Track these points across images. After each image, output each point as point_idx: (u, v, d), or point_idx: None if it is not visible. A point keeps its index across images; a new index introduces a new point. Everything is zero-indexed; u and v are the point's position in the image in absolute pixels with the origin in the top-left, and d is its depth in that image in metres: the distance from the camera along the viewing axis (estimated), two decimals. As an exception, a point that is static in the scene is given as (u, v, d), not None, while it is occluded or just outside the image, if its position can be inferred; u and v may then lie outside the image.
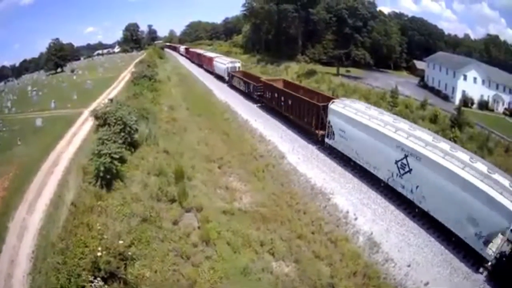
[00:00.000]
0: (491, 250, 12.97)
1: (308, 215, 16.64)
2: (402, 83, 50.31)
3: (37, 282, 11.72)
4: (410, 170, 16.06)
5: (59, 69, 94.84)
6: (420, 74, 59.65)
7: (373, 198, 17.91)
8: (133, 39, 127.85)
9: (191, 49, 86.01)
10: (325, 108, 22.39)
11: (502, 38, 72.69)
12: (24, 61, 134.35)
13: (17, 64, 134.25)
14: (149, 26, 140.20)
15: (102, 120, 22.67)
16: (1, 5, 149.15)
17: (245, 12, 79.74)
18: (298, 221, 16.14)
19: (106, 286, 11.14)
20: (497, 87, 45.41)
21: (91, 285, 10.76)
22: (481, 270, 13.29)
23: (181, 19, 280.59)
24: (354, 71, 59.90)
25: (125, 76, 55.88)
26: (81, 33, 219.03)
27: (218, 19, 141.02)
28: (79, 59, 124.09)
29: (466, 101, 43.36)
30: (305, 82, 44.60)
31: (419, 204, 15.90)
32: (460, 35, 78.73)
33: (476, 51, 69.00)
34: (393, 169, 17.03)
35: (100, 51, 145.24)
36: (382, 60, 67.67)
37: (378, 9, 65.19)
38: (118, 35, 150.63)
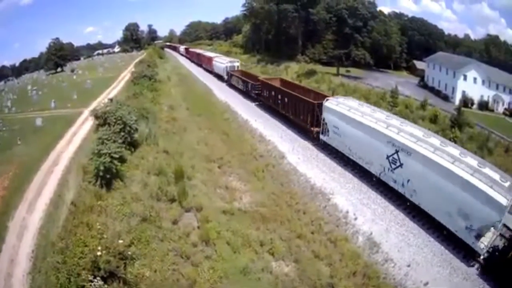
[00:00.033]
0: (483, 244, 13.11)
1: (308, 215, 16.63)
2: (402, 83, 50.34)
3: (37, 282, 11.74)
4: (401, 165, 16.48)
5: (59, 69, 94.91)
6: (420, 74, 59.68)
7: (373, 198, 17.91)
8: (133, 39, 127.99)
9: (191, 49, 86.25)
10: (320, 105, 22.95)
11: (502, 38, 72.91)
12: (24, 60, 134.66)
13: (17, 64, 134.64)
14: (149, 26, 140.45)
15: (102, 119, 22.67)
16: (1, 5, 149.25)
17: (245, 12, 79.85)
18: (298, 221, 16.14)
19: (105, 286, 11.13)
20: (497, 87, 45.43)
21: (90, 285, 10.76)
22: (473, 263, 13.50)
23: (181, 19, 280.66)
24: (354, 71, 59.92)
25: (125, 76, 55.93)
26: (81, 33, 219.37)
27: (218, 19, 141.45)
28: (79, 59, 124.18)
29: (466, 101, 43.39)
30: (305, 82, 44.61)
31: (410, 198, 16.28)
32: (460, 35, 78.96)
33: (476, 51, 69.08)
34: (385, 164, 17.46)
35: (100, 51, 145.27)
36: (382, 60, 67.72)
37: (378, 9, 65.46)
38: (118, 35, 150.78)
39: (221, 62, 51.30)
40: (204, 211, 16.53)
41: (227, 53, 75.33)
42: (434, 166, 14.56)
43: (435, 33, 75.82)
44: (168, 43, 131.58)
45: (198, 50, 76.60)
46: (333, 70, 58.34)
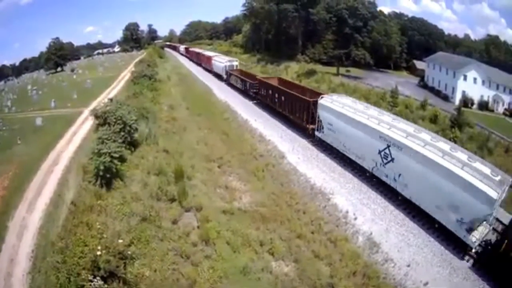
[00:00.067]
0: (475, 237, 13.28)
1: (308, 215, 16.63)
2: (402, 83, 50.36)
3: (36, 281, 11.75)
4: (392, 159, 16.87)
5: (59, 69, 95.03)
6: (420, 74, 59.70)
7: (373, 198, 17.91)
8: (133, 39, 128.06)
9: (190, 49, 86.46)
10: (315, 103, 23.45)
11: (502, 38, 72.95)
12: (24, 60, 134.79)
13: (17, 63, 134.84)
14: (149, 26, 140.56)
15: (102, 119, 22.67)
16: (1, 5, 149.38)
17: (245, 12, 79.88)
18: (298, 220, 16.13)
19: (105, 285, 11.13)
20: (497, 88, 45.44)
21: (90, 284, 10.76)
22: (466, 258, 13.69)
23: (181, 19, 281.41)
24: (354, 71, 59.94)
25: (125, 75, 55.95)
26: (81, 32, 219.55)
27: (218, 18, 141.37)
28: (79, 58, 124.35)
29: (466, 102, 43.42)
30: (305, 82, 44.61)
31: (401, 192, 16.69)
32: (460, 35, 79.03)
33: (476, 52, 69.12)
34: (377, 159, 17.87)
35: (100, 51, 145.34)
36: (382, 60, 67.74)
37: (378, 9, 65.55)
38: (118, 34, 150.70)
39: (220, 61, 51.72)
40: (204, 210, 16.54)
41: (227, 53, 75.31)
42: (424, 160, 14.86)
43: (435, 33, 75.86)
44: (168, 43, 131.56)
45: (197, 50, 76.77)
46: (333, 70, 58.36)
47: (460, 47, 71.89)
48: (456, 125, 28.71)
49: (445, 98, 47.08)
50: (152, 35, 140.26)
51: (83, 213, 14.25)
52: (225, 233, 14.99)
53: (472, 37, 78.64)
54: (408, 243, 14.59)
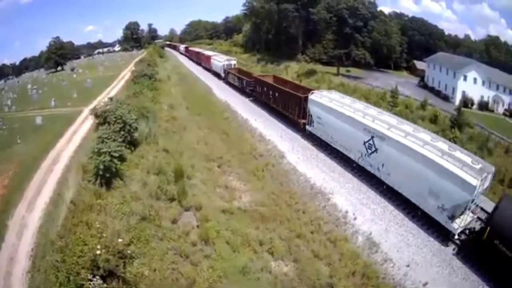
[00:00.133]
0: (457, 224, 13.78)
1: (307, 214, 16.64)
2: (402, 83, 50.29)
3: (36, 280, 11.77)
4: (376, 150, 17.88)
5: (59, 68, 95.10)
6: (420, 74, 59.60)
7: (372, 198, 17.92)
8: (133, 38, 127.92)
9: (190, 48, 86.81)
10: (306, 99, 24.62)
11: (502, 39, 72.71)
12: (24, 59, 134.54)
13: (17, 63, 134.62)
14: (150, 25, 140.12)
15: (102, 118, 22.67)
16: (1, 4, 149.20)
17: (245, 11, 79.77)
18: (297, 220, 16.15)
19: (105, 285, 11.16)
20: (497, 88, 45.34)
21: (90, 283, 10.79)
22: (449, 244, 14.23)
23: (182, 18, 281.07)
24: (354, 71, 59.84)
25: (125, 74, 55.94)
26: (81, 31, 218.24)
27: (218, 18, 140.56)
28: (79, 57, 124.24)
29: (466, 102, 43.31)
30: (305, 82, 44.55)
31: (385, 180, 17.67)
32: (461, 35, 78.75)
33: (477, 52, 68.98)
34: (362, 150, 18.91)
35: (100, 50, 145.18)
36: (382, 60, 67.60)
37: (378, 9, 65.15)
38: (119, 34, 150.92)
39: (219, 60, 52.72)
40: (204, 210, 16.55)
41: (227, 52, 75.29)
42: (405, 149, 15.71)
43: (436, 33, 75.69)
44: (168, 42, 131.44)
45: (197, 49, 77.13)
46: (333, 70, 58.27)
47: (460, 47, 71.75)
48: (456, 125, 28.66)
49: (445, 98, 46.98)
50: (152, 34, 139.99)
51: (83, 212, 14.27)
52: (225, 233, 15.01)
53: (472, 37, 78.57)
54: (408, 243, 14.61)
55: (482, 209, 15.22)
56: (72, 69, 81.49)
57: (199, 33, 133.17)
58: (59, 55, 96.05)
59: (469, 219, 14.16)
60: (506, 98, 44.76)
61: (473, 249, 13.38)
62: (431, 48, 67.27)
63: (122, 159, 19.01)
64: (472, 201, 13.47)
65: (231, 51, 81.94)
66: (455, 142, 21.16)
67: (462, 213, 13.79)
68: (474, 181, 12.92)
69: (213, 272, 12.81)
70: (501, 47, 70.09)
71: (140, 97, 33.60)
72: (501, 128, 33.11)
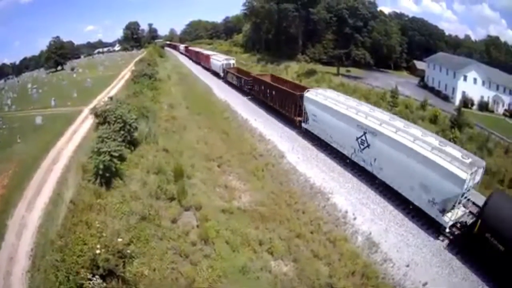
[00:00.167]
0: (448, 218, 14.03)
1: (307, 214, 16.64)
2: (402, 83, 50.29)
3: (36, 280, 11.77)
4: (368, 145, 18.30)
5: (59, 67, 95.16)
6: (420, 75, 59.62)
7: (372, 198, 17.91)
8: (133, 38, 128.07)
9: (190, 48, 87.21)
10: (302, 96, 25.10)
11: (502, 39, 72.82)
12: (25, 59, 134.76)
13: (17, 62, 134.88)
14: (150, 25, 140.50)
15: (102, 118, 22.66)
16: (1, 3, 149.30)
17: (245, 11, 79.83)
18: (297, 220, 16.14)
19: (104, 284, 11.16)
20: (497, 88, 45.34)
21: (89, 283, 10.78)
22: (441, 238, 14.59)
23: (182, 18, 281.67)
24: (354, 71, 59.86)
25: (125, 74, 55.94)
26: (82, 31, 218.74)
27: (218, 18, 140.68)
28: (79, 57, 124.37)
29: (466, 102, 43.33)
30: (305, 82, 44.55)
31: (377, 175, 18.09)
32: (461, 36, 78.87)
33: (477, 52, 69.02)
34: (355, 146, 19.34)
35: (100, 50, 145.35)
36: (382, 60, 67.63)
37: (378, 9, 65.26)
38: (119, 33, 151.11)
39: (218, 59, 53.29)
40: (204, 210, 16.55)
41: (227, 52, 75.37)
42: (396, 144, 16.13)
43: (436, 34, 75.74)
44: (168, 42, 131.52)
45: (196, 49, 77.57)
46: (333, 70, 58.28)
47: (460, 47, 71.77)
48: (456, 125, 28.66)
49: (445, 98, 47.00)
50: (153, 34, 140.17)
51: (83, 212, 14.26)
52: (224, 232, 15.00)
53: (473, 37, 78.71)
54: (407, 243, 14.60)
55: (474, 203, 15.47)
56: (72, 69, 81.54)
57: (199, 33, 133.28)
58: (59, 54, 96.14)
59: (460, 213, 14.48)
60: (506, 99, 44.76)
61: (465, 243, 13.64)
62: (431, 48, 67.30)
63: (122, 158, 19.00)
64: (463, 195, 13.75)
65: (231, 51, 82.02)
66: (455, 142, 21.16)
67: (453, 207, 14.08)
68: (463, 175, 13.19)
69: (213, 272, 12.81)
70: (501, 48, 70.14)
71: (140, 96, 33.60)
72: (501, 128, 33.11)
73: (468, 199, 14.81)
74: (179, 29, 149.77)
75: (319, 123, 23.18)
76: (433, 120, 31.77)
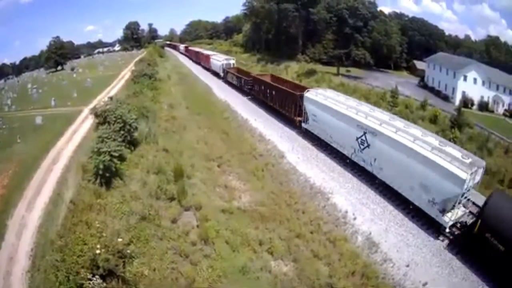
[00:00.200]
0: (448, 218, 14.06)
1: (307, 214, 16.64)
2: (402, 83, 50.28)
3: (36, 280, 11.77)
4: (368, 145, 18.33)
5: (59, 67, 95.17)
6: (420, 75, 59.60)
7: (372, 198, 17.91)
8: (133, 38, 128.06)
9: (190, 48, 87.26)
10: (302, 96, 25.14)
11: (502, 39, 72.75)
12: (24, 59, 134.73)
13: (17, 62, 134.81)
14: (150, 25, 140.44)
15: (102, 118, 22.66)
16: (1, 3, 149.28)
17: (245, 11, 79.82)
18: (297, 220, 16.14)
19: (104, 284, 11.16)
20: (497, 88, 45.33)
21: (89, 283, 10.78)
22: (441, 238, 14.62)
23: (182, 18, 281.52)
24: (354, 71, 59.84)
25: (125, 74, 55.95)
26: (82, 31, 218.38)
27: (218, 18, 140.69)
28: (79, 57, 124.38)
29: (466, 102, 43.32)
30: (305, 82, 44.56)
31: (377, 175, 18.11)
32: (461, 36, 78.80)
33: (477, 52, 68.97)
34: (355, 145, 19.38)
35: (100, 50, 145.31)
36: (382, 60, 67.58)
37: (378, 9, 65.21)
38: (119, 33, 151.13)
39: (218, 59, 53.35)
40: (203, 210, 16.55)
41: (227, 52, 75.37)
42: (396, 144, 16.16)
43: (436, 34, 75.68)
44: (168, 42, 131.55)
45: (196, 49, 77.67)
46: (333, 70, 58.27)
47: (460, 47, 71.73)
48: (456, 125, 28.66)
49: (445, 98, 46.98)
50: (153, 34, 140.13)
51: (83, 211, 14.26)
52: (224, 232, 15.00)
53: (473, 37, 78.64)
54: (407, 243, 14.60)
55: (474, 203, 15.48)
56: (72, 69, 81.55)
57: (199, 33, 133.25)
58: (59, 54, 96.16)
59: (460, 213, 14.50)
60: (506, 99, 44.74)
61: (465, 243, 13.66)
62: (431, 48, 67.27)
63: (122, 158, 19.00)
64: (463, 195, 13.76)
65: (231, 51, 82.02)
66: (455, 142, 21.17)
67: (453, 207, 14.09)
68: (463, 175, 13.21)
69: (213, 272, 12.81)
70: (501, 48, 70.11)
71: (140, 96, 33.60)
72: (501, 128, 33.10)
73: (468, 199, 14.82)
74: (179, 29, 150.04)
75: (319, 123, 23.22)
76: (433, 120, 31.76)
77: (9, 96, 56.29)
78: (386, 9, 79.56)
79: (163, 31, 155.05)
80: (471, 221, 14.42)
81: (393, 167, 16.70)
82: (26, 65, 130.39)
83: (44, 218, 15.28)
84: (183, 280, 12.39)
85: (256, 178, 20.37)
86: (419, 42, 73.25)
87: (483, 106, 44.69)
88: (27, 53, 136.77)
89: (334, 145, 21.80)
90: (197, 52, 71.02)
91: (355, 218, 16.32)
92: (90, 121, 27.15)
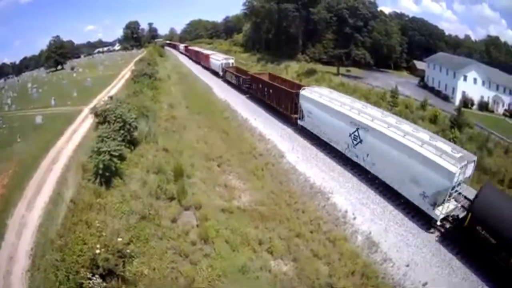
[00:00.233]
0: (439, 211, 14.34)
1: (307, 214, 16.64)
2: (402, 83, 50.23)
3: (35, 279, 11.78)
4: (361, 141, 18.79)
5: (59, 67, 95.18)
6: (420, 74, 59.54)
7: (372, 197, 17.91)
8: (133, 37, 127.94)
9: (189, 47, 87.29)
10: (298, 94, 25.67)
11: (502, 39, 72.66)
12: (24, 58, 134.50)
13: (17, 62, 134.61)
14: (150, 24, 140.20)
15: (101, 117, 22.67)
16: (1, 3, 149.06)
17: (245, 11, 79.72)
18: (297, 220, 16.15)
19: (104, 284, 11.16)
20: (497, 88, 45.29)
21: (89, 282, 10.78)
22: (432, 230, 14.99)
23: (182, 18, 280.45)
24: (354, 71, 59.80)
25: (125, 74, 55.94)
26: (82, 31, 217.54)
27: (218, 17, 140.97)
28: (79, 56, 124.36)
29: (466, 102, 43.28)
30: (305, 81, 44.49)
31: (370, 170, 18.59)
32: (461, 36, 78.68)
33: (477, 52, 68.92)
34: (348, 141, 19.89)
35: (100, 49, 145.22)
36: (382, 60, 67.51)
37: (378, 9, 65.09)
38: (119, 33, 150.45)
39: (217, 59, 53.86)
40: (203, 209, 16.56)
41: (227, 52, 75.37)
42: (387, 139, 16.60)
43: (436, 34, 75.59)
44: (168, 42, 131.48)
45: (196, 48, 77.90)
46: (334, 69, 58.21)
47: (460, 47, 71.66)
48: (456, 125, 28.63)
49: (445, 98, 46.94)
50: (153, 33, 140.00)
51: (82, 211, 14.27)
52: (224, 232, 15.01)
53: (473, 37, 78.53)
54: (407, 243, 14.60)
55: (465, 197, 15.67)
56: (72, 68, 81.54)
57: (199, 33, 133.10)
58: (59, 54, 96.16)
59: (452, 206, 14.77)
60: (506, 99, 44.69)
61: (456, 236, 13.91)
62: (431, 48, 67.18)
63: (121, 158, 19.01)
64: (453, 188, 14.00)
65: (231, 51, 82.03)
66: (454, 142, 21.17)
67: (444, 201, 14.35)
68: (453, 168, 13.49)
69: (213, 271, 12.81)
70: (501, 48, 70.07)
71: (140, 96, 33.61)
72: (501, 128, 33.06)
73: (460, 193, 15.06)
74: (179, 28, 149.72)
75: (314, 120, 23.76)
76: (433, 120, 31.71)
77: (9, 95, 56.29)
78: (386, 9, 79.48)
79: (163, 30, 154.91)
80: (462, 215, 14.60)
81: (385, 162, 17.09)
82: (26, 64, 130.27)
83: (44, 217, 15.28)
84: (183, 279, 12.39)
85: (256, 177, 20.37)
86: (419, 42, 73.17)
87: (483, 106, 44.65)
88: (27, 53, 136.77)
89: (328, 141, 22.33)
90: (197, 52, 71.29)
91: (355, 218, 16.32)
92: (90, 120, 27.16)
